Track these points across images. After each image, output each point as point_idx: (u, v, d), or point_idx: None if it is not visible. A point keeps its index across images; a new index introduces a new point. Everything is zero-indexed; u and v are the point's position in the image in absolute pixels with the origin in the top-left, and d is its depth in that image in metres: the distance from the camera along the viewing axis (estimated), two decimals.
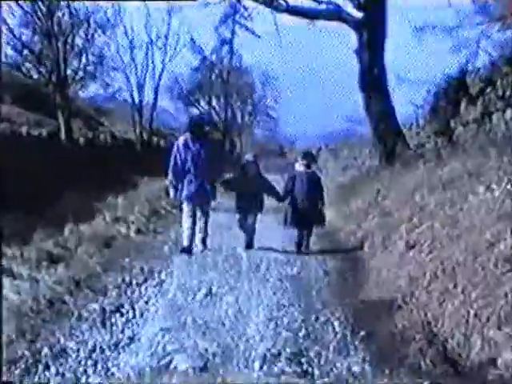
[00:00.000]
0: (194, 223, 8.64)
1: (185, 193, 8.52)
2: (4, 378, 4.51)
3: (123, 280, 7.30)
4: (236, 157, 37.48)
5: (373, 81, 14.28)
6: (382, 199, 10.93)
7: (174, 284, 7.10)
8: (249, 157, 9.50)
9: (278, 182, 10.86)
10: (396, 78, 16.21)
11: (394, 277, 6.83)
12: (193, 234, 8.65)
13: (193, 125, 8.64)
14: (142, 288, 6.94)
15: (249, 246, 9.16)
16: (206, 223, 8.80)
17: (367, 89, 14.44)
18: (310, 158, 9.70)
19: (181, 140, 8.53)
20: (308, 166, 9.38)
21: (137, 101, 29.03)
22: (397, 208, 9.38)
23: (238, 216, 9.26)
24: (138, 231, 10.87)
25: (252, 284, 7.10)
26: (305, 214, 9.16)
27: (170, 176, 8.57)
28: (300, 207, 9.17)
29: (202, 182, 8.48)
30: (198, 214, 8.70)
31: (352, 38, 14.61)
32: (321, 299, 6.52)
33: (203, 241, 8.80)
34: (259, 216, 9.37)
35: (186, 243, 8.57)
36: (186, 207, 8.65)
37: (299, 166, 9.42)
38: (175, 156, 8.47)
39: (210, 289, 6.91)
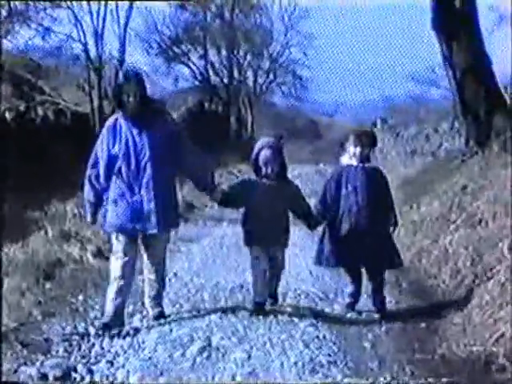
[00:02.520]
0: (130, 273, 7.38)
1: (110, 218, 7.30)
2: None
3: (75, 328, 7.32)
4: (245, 141, 37.46)
5: (455, 15, 14.17)
6: (470, 200, 10.87)
7: (152, 333, 7.12)
8: (268, 142, 7.84)
9: (310, 178, 10.79)
10: (494, 11, 16.10)
11: (491, 321, 6.77)
12: (122, 294, 7.33)
13: (124, 90, 7.15)
14: (105, 341, 6.93)
15: (258, 306, 7.76)
16: (157, 272, 7.59)
17: (446, 29, 14.33)
18: (367, 142, 7.81)
19: (107, 124, 7.37)
20: (366, 157, 7.76)
21: (93, 56, 29.14)
22: (494, 213, 9.32)
23: (252, 253, 7.83)
24: (98, 252, 10.88)
25: (271, 331, 7.08)
26: (362, 243, 7.54)
27: (87, 187, 7.42)
28: (352, 231, 7.59)
29: (142, 197, 7.15)
30: (145, 256, 7.56)
31: None
32: (377, 355, 6.45)
33: (156, 300, 7.65)
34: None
35: (108, 313, 7.33)
36: (115, 243, 7.40)
37: (349, 158, 7.79)
38: (96, 152, 7.35)
39: (209, 340, 6.90)
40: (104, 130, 7.32)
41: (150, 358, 6.40)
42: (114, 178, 7.19)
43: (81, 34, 28.83)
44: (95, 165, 7.29)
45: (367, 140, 7.83)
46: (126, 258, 7.23)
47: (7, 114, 20.43)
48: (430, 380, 5.57)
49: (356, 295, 7.91)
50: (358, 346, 6.68)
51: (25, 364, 6.27)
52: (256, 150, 7.75)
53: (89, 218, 7.61)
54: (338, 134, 47.94)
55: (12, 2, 22.15)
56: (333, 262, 7.85)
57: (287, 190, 7.84)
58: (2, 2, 21.52)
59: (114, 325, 7.14)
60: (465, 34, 14.24)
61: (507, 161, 11.37)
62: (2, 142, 15.87)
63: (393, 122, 30.67)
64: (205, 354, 6.53)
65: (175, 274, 9.88)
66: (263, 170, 7.62)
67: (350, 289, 7.99)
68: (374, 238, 7.60)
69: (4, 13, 21.83)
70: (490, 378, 5.79)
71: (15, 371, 6.10)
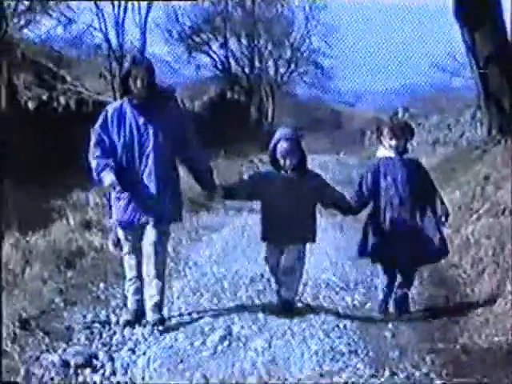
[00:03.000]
0: (138, 271, 7.10)
1: (114, 213, 7.07)
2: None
3: (96, 316, 7.33)
4: (266, 130, 37.39)
5: (477, 3, 14.07)
6: (493, 189, 10.81)
7: (173, 322, 7.11)
8: (285, 134, 7.38)
9: (331, 167, 10.71)
10: None
11: None
12: (141, 292, 7.10)
13: (131, 75, 6.75)
14: (126, 329, 6.94)
15: (287, 306, 7.42)
16: (158, 270, 6.96)
17: (469, 18, 14.24)
18: (402, 134, 7.36)
19: (110, 109, 6.96)
20: (403, 149, 7.35)
21: (115, 45, 29.17)
22: None
23: (266, 250, 7.62)
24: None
25: (292, 320, 7.07)
26: (403, 238, 7.18)
27: (97, 164, 6.86)
28: (394, 224, 7.25)
29: (144, 189, 6.79)
30: (147, 251, 6.96)
31: None
32: (398, 344, 6.43)
33: (158, 306, 7.01)
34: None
35: (130, 310, 7.20)
36: (124, 243, 7.23)
37: (386, 150, 7.36)
38: (97, 139, 6.91)
39: (229, 329, 6.91)
40: (108, 113, 6.87)
41: (170, 347, 6.41)
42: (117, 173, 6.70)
43: (102, 23, 29.08)
44: (96, 156, 6.80)
45: (402, 132, 7.35)
46: (139, 259, 7.02)
47: (29, 104, 20.44)
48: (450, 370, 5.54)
49: (391, 288, 7.40)
50: (379, 335, 6.66)
51: (47, 351, 6.29)
52: (273, 141, 7.24)
53: (111, 179, 6.67)
54: (359, 124, 47.99)
55: None
56: (377, 255, 7.37)
57: (309, 183, 7.25)
58: None
59: (137, 320, 6.95)
60: (488, 23, 14.14)
61: None
62: (24, 132, 15.92)
63: (414, 111, 30.53)
64: (225, 343, 6.54)
65: (195, 263, 9.89)
66: (281, 162, 7.14)
67: (383, 285, 7.46)
68: (418, 229, 7.17)
69: (26, 2, 21.78)
70: None
71: (37, 358, 6.11)
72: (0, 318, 5.69)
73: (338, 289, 8.11)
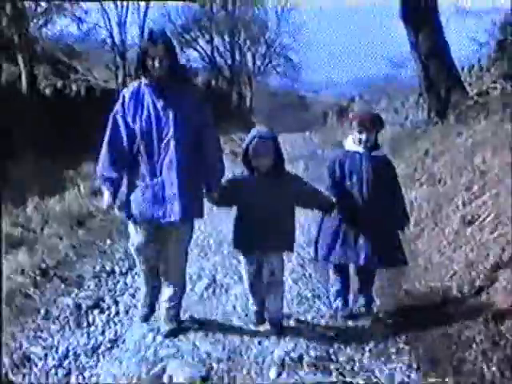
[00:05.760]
0: (154, 266, 5.60)
1: (133, 205, 5.29)
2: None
3: (103, 267, 7.36)
4: (245, 113, 37.34)
5: (420, 8, 14.06)
6: (431, 162, 10.84)
7: None
8: (258, 133, 5.32)
9: (298, 144, 10.58)
10: (452, 6, 16.02)
11: (447, 261, 6.80)
12: (155, 292, 5.75)
13: (149, 53, 5.12)
14: (128, 277, 6.96)
15: (275, 325, 5.57)
16: (175, 273, 5.56)
17: (412, 19, 14.23)
18: (374, 126, 5.72)
19: (127, 93, 5.29)
20: (372, 144, 5.71)
21: (118, 41, 29.03)
22: (451, 173, 9.30)
23: (245, 265, 5.58)
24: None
25: None
26: (362, 240, 5.62)
27: (102, 165, 5.30)
28: (352, 227, 5.65)
29: (164, 180, 5.18)
30: (164, 251, 5.48)
31: None
32: (353, 289, 6.42)
33: (172, 314, 5.55)
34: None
35: (143, 308, 5.80)
36: (135, 239, 5.48)
37: (353, 143, 5.75)
38: (113, 124, 5.29)
39: (214, 278, 6.93)
40: (126, 97, 5.22)
41: None
42: (134, 160, 5.25)
43: (107, 22, 29.11)
44: (112, 143, 5.24)
45: (372, 125, 5.67)
46: (152, 263, 5.55)
47: (47, 90, 20.33)
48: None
49: (346, 293, 5.97)
50: None
51: (62, 295, 6.40)
52: (247, 141, 5.30)
53: (106, 201, 5.29)
54: (322, 108, 48.24)
55: None
56: (327, 259, 5.78)
57: (287, 186, 5.36)
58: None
59: (151, 316, 5.68)
60: (428, 24, 14.17)
61: (461, 130, 11.34)
62: (42, 114, 15.81)
63: (368, 97, 30.54)
64: (210, 290, 6.60)
65: None
66: (254, 163, 5.25)
67: (337, 287, 5.98)
68: (377, 234, 5.59)
69: (44, 5, 21.65)
70: (446, 306, 5.85)
71: (54, 301, 6.23)
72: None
73: (304, 244, 8.10)
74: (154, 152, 5.14)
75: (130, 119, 5.17)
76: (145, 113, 5.14)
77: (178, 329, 5.45)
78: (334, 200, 5.53)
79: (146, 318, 5.68)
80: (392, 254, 5.72)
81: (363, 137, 5.58)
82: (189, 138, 5.18)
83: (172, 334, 5.37)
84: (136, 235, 5.40)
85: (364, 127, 5.59)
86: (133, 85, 5.29)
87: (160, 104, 5.12)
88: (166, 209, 5.16)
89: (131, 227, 5.44)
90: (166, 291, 5.51)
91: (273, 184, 5.27)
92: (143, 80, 5.17)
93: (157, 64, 5.04)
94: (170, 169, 5.11)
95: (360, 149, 5.63)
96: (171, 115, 5.10)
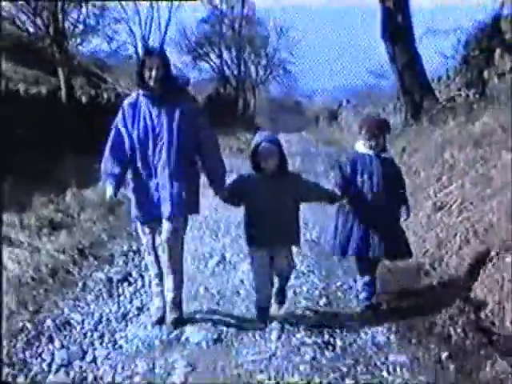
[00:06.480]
0: (159, 267, 5.22)
1: (132, 208, 5.19)
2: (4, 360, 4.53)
3: (130, 247, 7.37)
4: (249, 117, 37.30)
5: (397, 29, 14.06)
6: (407, 157, 10.83)
7: (185, 249, 7.11)
8: (264, 137, 5.07)
9: (294, 142, 10.56)
10: (423, 25, 16.04)
11: (420, 241, 6.81)
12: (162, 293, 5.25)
13: (145, 65, 4.95)
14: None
15: (266, 308, 5.23)
16: (173, 265, 5.08)
17: (391, 38, 14.24)
18: (382, 131, 5.42)
19: (126, 103, 5.10)
20: (381, 148, 5.38)
21: (142, 55, 29.03)
22: (424, 167, 9.30)
23: (254, 258, 5.20)
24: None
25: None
26: (374, 232, 5.26)
27: (105, 165, 5.13)
28: (365, 220, 5.30)
29: (159, 183, 4.97)
30: (162, 246, 5.06)
31: None
32: (342, 266, 6.44)
33: (175, 303, 5.11)
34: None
35: (157, 309, 5.22)
36: (144, 240, 5.29)
37: (363, 147, 5.41)
38: (115, 132, 5.13)
39: (223, 256, 6.95)
40: (125, 107, 5.05)
41: None
42: (134, 167, 5.05)
43: (133, 40, 29.19)
44: (113, 149, 5.05)
45: (380, 131, 5.37)
46: (152, 244, 5.21)
47: (83, 98, 20.34)
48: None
49: (373, 285, 5.43)
50: (329, 259, 6.59)
51: (96, 271, 6.43)
52: (254, 144, 5.04)
53: (110, 193, 5.13)
54: (314, 112, 48.25)
55: (86, 19, 22.04)
56: (345, 252, 5.38)
57: (290, 184, 5.10)
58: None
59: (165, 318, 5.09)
60: (404, 41, 14.21)
61: (433, 130, 11.34)
62: (79, 118, 15.82)
63: (354, 103, 30.53)
64: (221, 266, 6.62)
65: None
66: (262, 164, 4.98)
67: (364, 279, 5.41)
68: (386, 227, 5.30)
69: (81, 27, 21.72)
70: (420, 279, 5.95)
71: (90, 275, 6.27)
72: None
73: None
74: (149, 156, 4.93)
75: (129, 127, 4.99)
76: (141, 121, 4.95)
77: (182, 317, 5.08)
78: (336, 193, 5.28)
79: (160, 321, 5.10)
80: (400, 247, 5.41)
81: (373, 143, 5.29)
82: (183, 142, 4.94)
83: (177, 322, 5.00)
84: (143, 235, 5.23)
85: (373, 134, 5.30)
86: (132, 96, 5.11)
87: (155, 113, 4.93)
88: (161, 208, 4.94)
89: (139, 226, 5.30)
90: (169, 281, 5.09)
91: (278, 183, 5.02)
92: (140, 92, 4.99)
93: (153, 74, 4.84)
94: (163, 172, 4.90)
95: (370, 152, 5.32)
96: (165, 122, 4.90)
